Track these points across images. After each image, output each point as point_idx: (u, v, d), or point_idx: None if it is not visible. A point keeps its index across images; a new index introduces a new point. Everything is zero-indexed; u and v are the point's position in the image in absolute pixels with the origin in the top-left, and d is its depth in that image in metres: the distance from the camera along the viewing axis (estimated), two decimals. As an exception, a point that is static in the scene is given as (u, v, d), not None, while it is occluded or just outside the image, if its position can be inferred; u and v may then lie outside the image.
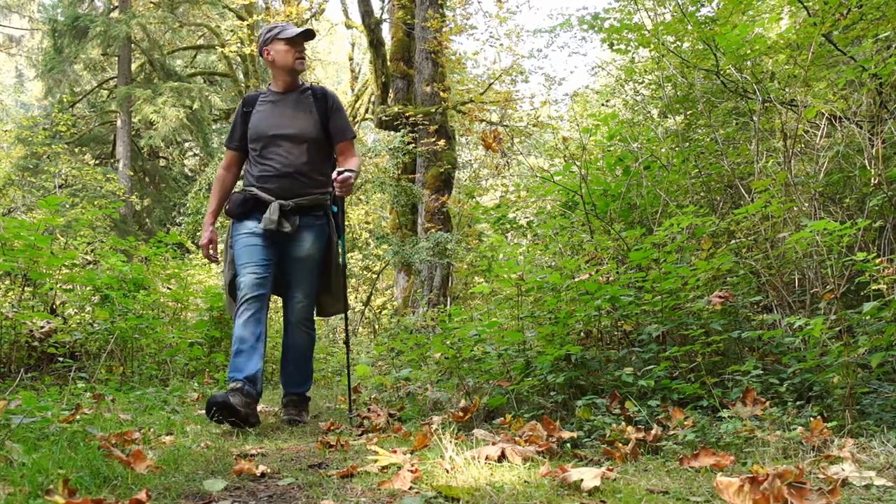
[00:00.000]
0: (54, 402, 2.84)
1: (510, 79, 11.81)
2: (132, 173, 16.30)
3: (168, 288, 5.63)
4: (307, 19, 13.73)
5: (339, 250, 3.43)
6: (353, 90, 16.00)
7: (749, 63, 3.98)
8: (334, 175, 3.18)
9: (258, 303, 3.08)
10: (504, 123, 12.75)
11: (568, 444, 2.23)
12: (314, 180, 3.29)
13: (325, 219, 3.35)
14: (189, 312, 5.78)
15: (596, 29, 4.59)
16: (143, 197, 17.72)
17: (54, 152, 14.26)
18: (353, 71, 17.16)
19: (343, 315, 3.63)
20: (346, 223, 11.06)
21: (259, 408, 3.61)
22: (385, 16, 12.30)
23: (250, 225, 3.21)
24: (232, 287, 3.27)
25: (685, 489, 1.66)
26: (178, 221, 11.32)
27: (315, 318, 3.46)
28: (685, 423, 2.29)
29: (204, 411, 3.07)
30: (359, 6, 11.35)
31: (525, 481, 1.72)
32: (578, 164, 3.83)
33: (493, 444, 2.08)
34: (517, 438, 2.23)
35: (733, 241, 3.43)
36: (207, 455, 2.21)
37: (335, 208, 3.38)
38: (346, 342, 3.62)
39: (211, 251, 3.35)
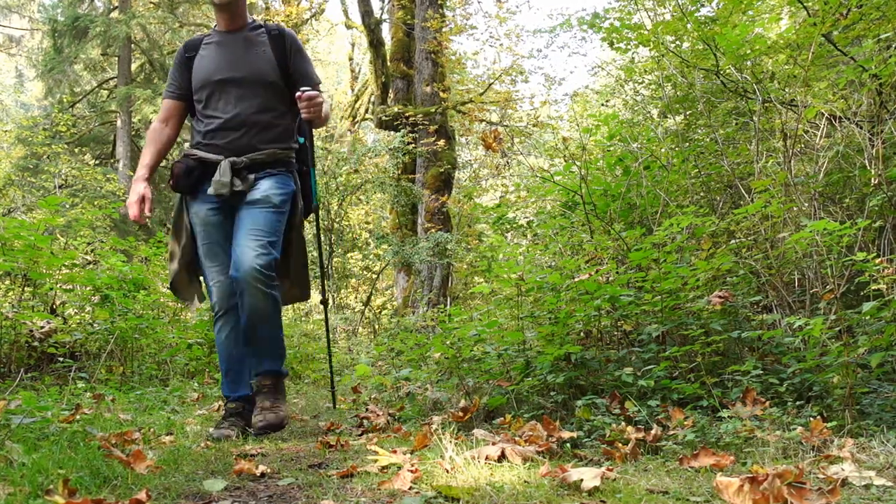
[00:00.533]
0: (54, 402, 2.84)
1: (510, 79, 11.83)
2: (132, 173, 16.30)
3: (168, 288, 5.62)
4: (307, 19, 13.74)
5: (303, 208, 2.87)
6: (353, 90, 16.01)
7: (749, 63, 3.98)
8: (298, 93, 2.66)
9: (235, 314, 2.69)
10: (504, 123, 12.75)
11: (568, 444, 2.23)
12: (272, 132, 2.75)
13: (290, 176, 2.79)
14: (189, 312, 5.78)
15: (595, 29, 4.59)
16: (143, 197, 17.68)
17: (54, 152, 14.27)
18: (353, 71, 17.18)
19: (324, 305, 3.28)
20: (346, 223, 10.97)
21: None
22: (385, 16, 12.30)
23: (203, 212, 2.71)
24: (184, 265, 2.82)
25: (685, 489, 1.66)
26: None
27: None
28: (685, 423, 2.29)
29: (204, 410, 3.08)
30: (359, 6, 11.35)
31: (525, 481, 1.72)
32: (578, 164, 3.83)
33: (493, 444, 2.08)
34: (517, 438, 2.23)
35: (733, 241, 3.43)
36: (207, 455, 2.21)
37: (302, 139, 2.85)
38: (325, 321, 3.20)
39: (146, 211, 2.66)
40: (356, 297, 12.58)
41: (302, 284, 2.90)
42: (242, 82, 2.72)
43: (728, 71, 4.03)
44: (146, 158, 2.78)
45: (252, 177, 2.67)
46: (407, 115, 9.91)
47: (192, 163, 2.69)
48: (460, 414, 2.84)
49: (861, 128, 3.46)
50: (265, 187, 2.66)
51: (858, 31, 3.52)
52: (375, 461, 1.97)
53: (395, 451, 2.09)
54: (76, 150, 17.07)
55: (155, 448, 2.23)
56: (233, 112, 2.69)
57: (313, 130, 2.91)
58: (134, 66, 17.14)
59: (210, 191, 2.63)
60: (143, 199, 2.67)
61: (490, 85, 11.70)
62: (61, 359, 4.13)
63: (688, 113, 4.72)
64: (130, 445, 2.11)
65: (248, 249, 2.54)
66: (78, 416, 2.50)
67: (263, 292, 2.54)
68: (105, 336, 4.32)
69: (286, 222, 2.73)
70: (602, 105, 9.60)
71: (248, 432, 2.70)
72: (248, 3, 2.86)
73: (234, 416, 2.71)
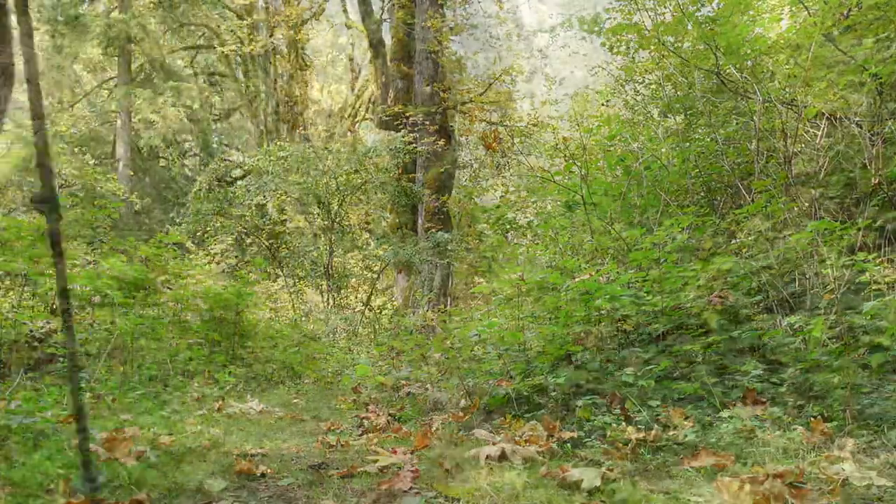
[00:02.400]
0: (54, 402, 2.83)
1: (510, 79, 11.83)
2: (132, 173, 16.30)
3: (168, 288, 5.62)
4: (307, 19, 13.74)
5: None
6: (353, 90, 16.01)
7: (749, 63, 3.98)
8: None
9: None
10: (504, 123, 12.75)
11: (568, 444, 2.23)
12: None
13: None
14: (189, 313, 5.77)
15: (596, 31, 4.59)
16: (143, 197, 17.72)
17: (54, 152, 14.25)
18: (353, 71, 17.17)
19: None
20: (346, 223, 10.88)
21: (259, 407, 3.61)
22: (385, 16, 12.30)
23: None
24: None
25: (685, 489, 1.66)
26: (177, 221, 11.35)
27: None
28: (685, 423, 2.29)
29: (204, 411, 3.06)
30: (359, 6, 11.36)
31: (525, 481, 1.72)
32: (578, 164, 3.83)
33: (493, 444, 2.08)
34: (517, 438, 2.23)
35: (734, 241, 3.43)
36: (207, 455, 2.21)
37: None
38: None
39: None
40: (356, 297, 12.57)
41: None
42: None
43: (728, 71, 4.02)
44: None
45: None
46: (407, 115, 9.91)
47: None
48: (460, 414, 2.84)
49: (861, 128, 3.46)
50: None
51: (859, 32, 3.52)
52: (375, 461, 1.97)
53: (395, 451, 2.08)
54: (76, 150, 17.05)
55: (155, 448, 2.22)
56: None
57: None
58: (134, 66, 17.12)
59: None
60: None
61: (490, 85, 11.70)
62: (61, 359, 4.12)
63: (688, 113, 4.72)
64: (130, 445, 2.11)
65: None
66: (78, 416, 2.49)
67: None
68: (105, 336, 4.31)
69: None
70: (602, 105, 9.60)
71: (248, 432, 2.62)
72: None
73: None
